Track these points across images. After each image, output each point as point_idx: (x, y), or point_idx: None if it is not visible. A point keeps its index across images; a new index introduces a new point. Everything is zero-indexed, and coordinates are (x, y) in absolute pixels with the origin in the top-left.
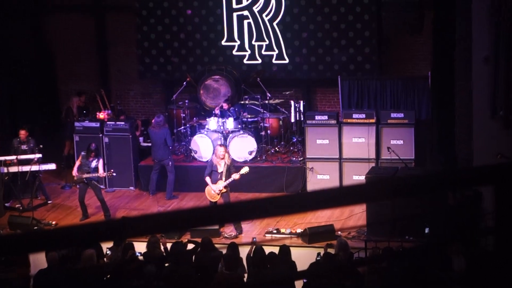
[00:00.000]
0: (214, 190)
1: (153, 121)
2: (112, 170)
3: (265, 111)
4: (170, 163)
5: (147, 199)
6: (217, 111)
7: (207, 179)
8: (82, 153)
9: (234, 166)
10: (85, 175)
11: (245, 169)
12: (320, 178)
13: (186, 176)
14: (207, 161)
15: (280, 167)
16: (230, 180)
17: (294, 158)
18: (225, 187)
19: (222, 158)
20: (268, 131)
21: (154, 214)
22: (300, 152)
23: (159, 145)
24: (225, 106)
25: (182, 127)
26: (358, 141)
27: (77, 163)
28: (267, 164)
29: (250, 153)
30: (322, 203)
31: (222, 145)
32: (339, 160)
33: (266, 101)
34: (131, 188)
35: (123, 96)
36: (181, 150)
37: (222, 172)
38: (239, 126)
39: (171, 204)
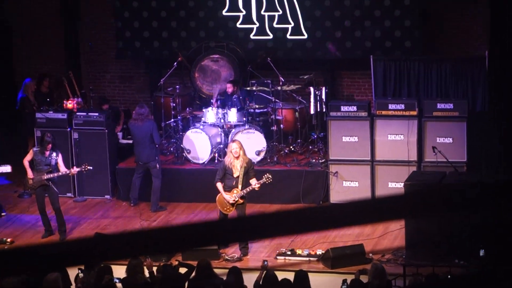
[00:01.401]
0: (228, 201)
1: (134, 112)
2: (86, 164)
3: (277, 100)
4: (157, 165)
5: (127, 210)
6: (214, 103)
7: (219, 185)
8: (35, 148)
9: (253, 169)
10: (46, 176)
11: (268, 177)
12: (347, 185)
13: (176, 182)
14: (203, 162)
15: (295, 172)
16: (248, 189)
17: (314, 160)
18: (241, 197)
19: (237, 157)
20: (281, 126)
21: (135, 231)
22: (321, 152)
23: (143, 143)
24: (230, 88)
25: (172, 120)
26: (396, 139)
27: (28, 158)
28: (279, 168)
29: (258, 153)
30: (349, 218)
31: (236, 140)
32: (371, 162)
33: (279, 88)
34: (107, 196)
35: (97, 79)
36: (170, 149)
37: (238, 177)
38: (244, 119)
39: (157, 217)
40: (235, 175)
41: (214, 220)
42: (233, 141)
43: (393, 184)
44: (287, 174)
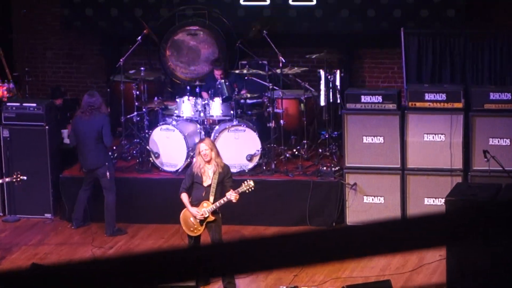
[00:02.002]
0: (194, 216)
1: (82, 103)
2: (19, 173)
3: (276, 88)
4: (107, 173)
5: (74, 234)
6: (205, 94)
7: (184, 197)
8: None
9: (230, 178)
10: None
11: (248, 184)
12: (369, 202)
13: (141, 197)
14: (176, 170)
15: (300, 184)
16: (222, 201)
17: (325, 168)
18: (213, 213)
19: (208, 161)
20: (281, 122)
21: (85, 262)
22: (334, 157)
23: (90, 144)
24: (217, 73)
25: (135, 114)
26: (434, 140)
27: None
28: (279, 178)
29: (250, 158)
30: (372, 245)
31: (207, 138)
32: (401, 171)
33: (278, 71)
34: (48, 215)
35: (35, 59)
36: (132, 152)
37: (209, 186)
38: (232, 112)
39: (115, 243)
40: (205, 184)
41: (194, 246)
42: (201, 140)
43: (431, 200)
44: (288, 186)
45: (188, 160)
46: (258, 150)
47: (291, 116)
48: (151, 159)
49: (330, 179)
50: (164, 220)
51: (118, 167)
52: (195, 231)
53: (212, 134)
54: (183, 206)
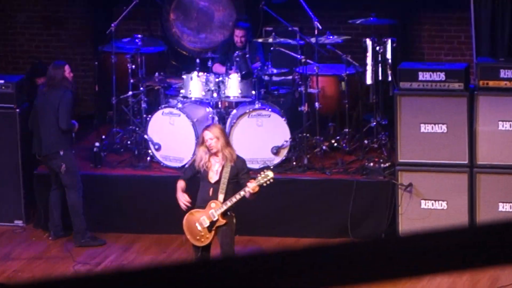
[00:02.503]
0: (200, 222)
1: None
2: None
3: (309, 61)
4: (62, 166)
5: (51, 247)
6: (225, 70)
7: (179, 183)
8: None
9: (247, 173)
10: None
11: (266, 175)
12: (428, 207)
13: (137, 200)
14: (183, 166)
15: (341, 184)
16: (234, 198)
17: (372, 164)
18: (222, 214)
19: (215, 153)
20: (316, 105)
21: (65, 280)
22: (384, 150)
23: (47, 125)
24: (239, 34)
25: (130, 93)
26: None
27: None
28: (313, 177)
29: (277, 151)
30: (432, 262)
31: (214, 125)
32: (470, 169)
33: (313, 40)
34: (18, 222)
35: (3, 23)
36: (125, 143)
37: (218, 182)
38: (253, 92)
39: (104, 258)
40: (212, 180)
41: (187, 262)
42: (206, 127)
43: (507, 206)
44: (325, 187)
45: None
46: (286, 141)
47: (328, 97)
48: (150, 151)
49: (378, 178)
50: (166, 229)
51: (108, 161)
52: (203, 239)
53: (228, 121)
54: (186, 209)
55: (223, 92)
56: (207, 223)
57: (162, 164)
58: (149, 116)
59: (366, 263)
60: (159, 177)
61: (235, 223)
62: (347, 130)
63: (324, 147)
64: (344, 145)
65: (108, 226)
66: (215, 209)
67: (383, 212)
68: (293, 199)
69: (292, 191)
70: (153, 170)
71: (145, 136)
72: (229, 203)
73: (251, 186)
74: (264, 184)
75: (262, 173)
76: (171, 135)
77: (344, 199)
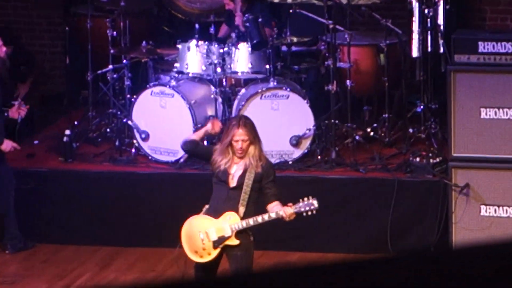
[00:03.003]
0: (205, 233)
1: None
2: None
3: (339, 27)
4: None
5: (10, 263)
6: (232, 32)
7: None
8: None
9: (273, 181)
10: None
11: (311, 203)
12: (489, 214)
13: (119, 204)
14: (177, 160)
15: (379, 184)
16: (261, 220)
17: (418, 160)
18: (238, 234)
19: (240, 154)
20: (348, 83)
21: None
22: (434, 142)
23: None
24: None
25: (110, 67)
26: None
27: None
28: (343, 174)
29: (297, 141)
30: (495, 281)
31: (247, 121)
32: None
33: (344, 0)
34: None
35: None
36: (104, 130)
37: (237, 189)
38: (268, 66)
39: (77, 277)
40: (231, 185)
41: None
42: (237, 122)
43: None
44: (359, 188)
45: None
46: (309, 130)
47: (363, 74)
48: (135, 142)
49: (426, 177)
50: (155, 242)
51: (82, 154)
52: (202, 255)
53: (235, 103)
54: (187, 212)
55: (229, 66)
56: (214, 237)
57: (150, 158)
58: (134, 96)
59: (411, 284)
60: (147, 174)
61: (252, 244)
62: (386, 115)
63: (357, 137)
64: (383, 134)
65: (82, 237)
66: (231, 224)
67: (432, 220)
68: (318, 203)
69: (316, 193)
70: (139, 165)
71: (129, 122)
72: (251, 223)
73: (288, 213)
74: (304, 214)
75: (306, 199)
76: (162, 121)
77: (382, 204)
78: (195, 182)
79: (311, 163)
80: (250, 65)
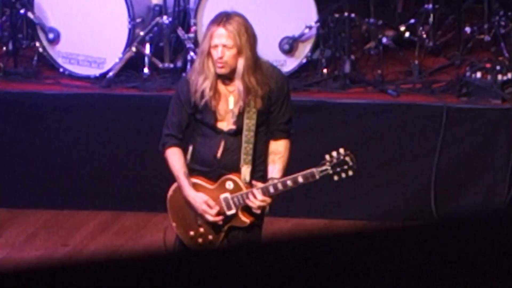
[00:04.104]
0: (202, 211)
1: None
2: None
3: None
4: None
5: None
6: None
7: (173, 158)
8: None
9: (279, 97)
10: None
11: (345, 162)
12: None
13: (15, 143)
14: (104, 74)
15: (417, 111)
16: (281, 186)
17: (479, 75)
18: (246, 208)
19: (221, 67)
20: None
21: None
22: (503, 47)
23: None
24: None
25: None
26: None
27: None
28: (361, 98)
29: (290, 46)
30: None
31: (235, 15)
32: None
33: None
34: None
35: None
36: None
37: (232, 132)
38: None
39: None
40: (224, 128)
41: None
42: (223, 18)
43: None
44: (388, 119)
45: (134, 49)
46: (309, 27)
47: None
48: (38, 44)
49: (492, 102)
50: (81, 203)
51: None
52: (200, 240)
53: None
54: (169, 179)
55: None
56: (212, 212)
57: (62, 70)
58: None
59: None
60: (56, 96)
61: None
62: (430, 6)
63: (384, 40)
64: (424, 36)
65: None
66: (233, 196)
67: (500, 168)
68: (325, 143)
69: (321, 127)
70: (43, 82)
71: (30, 15)
72: (272, 189)
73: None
74: (336, 178)
75: (335, 153)
76: (80, 14)
77: (423, 144)
78: (135, 109)
79: (313, 79)
80: None
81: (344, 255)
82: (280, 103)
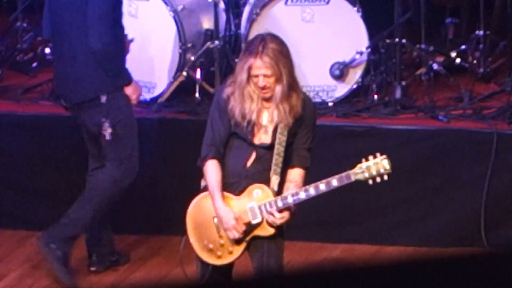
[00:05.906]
0: (225, 224)
1: None
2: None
3: None
4: (107, 127)
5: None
6: None
7: (211, 170)
8: None
9: (307, 126)
10: None
11: (381, 165)
12: None
13: (72, 159)
14: (155, 99)
15: (467, 137)
16: (304, 195)
17: None
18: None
19: (265, 92)
20: None
21: None
22: None
23: (71, 43)
24: None
25: None
26: None
27: None
28: (412, 124)
29: (341, 72)
30: None
31: (267, 44)
32: None
33: None
34: None
35: None
36: (43, 50)
37: (265, 147)
38: None
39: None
40: (259, 143)
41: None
42: (259, 48)
43: None
44: (437, 145)
45: (184, 74)
46: (361, 53)
47: None
48: None
49: None
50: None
51: (3, 87)
52: (220, 253)
53: (246, 11)
54: (193, 189)
55: None
56: (235, 233)
57: None
58: None
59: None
60: None
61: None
62: (481, 32)
63: (435, 66)
64: (475, 62)
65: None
66: (261, 204)
67: None
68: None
69: (370, 152)
70: None
71: None
72: (291, 199)
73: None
74: (371, 182)
75: (371, 157)
76: (130, 36)
77: (474, 170)
78: (186, 134)
79: (363, 105)
80: None
81: (395, 283)
82: (306, 128)
